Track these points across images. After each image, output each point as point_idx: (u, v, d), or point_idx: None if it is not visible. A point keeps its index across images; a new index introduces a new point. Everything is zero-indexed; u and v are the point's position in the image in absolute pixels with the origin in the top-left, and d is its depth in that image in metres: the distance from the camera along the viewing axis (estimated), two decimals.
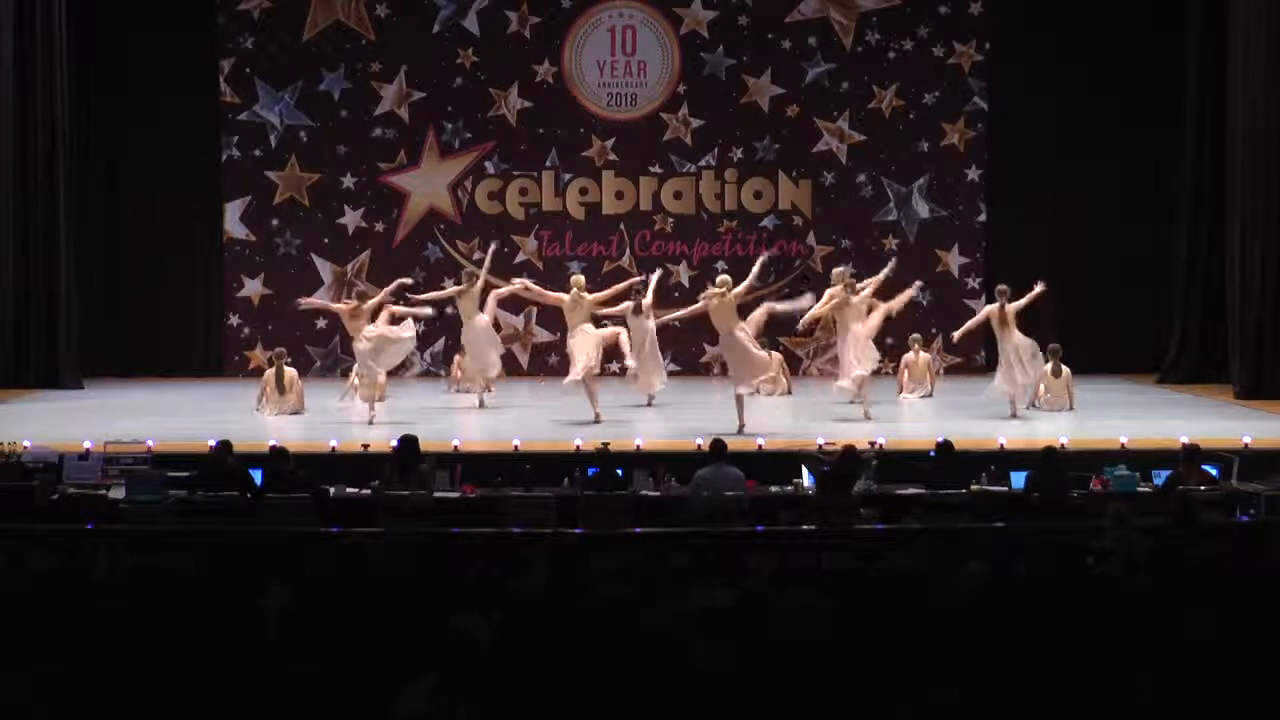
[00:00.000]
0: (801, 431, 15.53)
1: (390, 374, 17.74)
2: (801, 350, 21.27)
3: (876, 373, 17.39)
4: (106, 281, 21.11)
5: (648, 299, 16.81)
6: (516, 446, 13.85)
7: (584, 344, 16.40)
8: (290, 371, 17.36)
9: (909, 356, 18.85)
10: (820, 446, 13.15)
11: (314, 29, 21.24)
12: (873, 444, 13.87)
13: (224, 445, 12.51)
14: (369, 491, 12.28)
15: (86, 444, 13.33)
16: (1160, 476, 12.52)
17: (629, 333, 16.81)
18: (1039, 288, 17.22)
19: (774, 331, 19.99)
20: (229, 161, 21.27)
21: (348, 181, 21.39)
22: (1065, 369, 17.42)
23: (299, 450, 13.73)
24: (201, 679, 5.38)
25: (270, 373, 17.34)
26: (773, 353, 17.43)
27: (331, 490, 12.35)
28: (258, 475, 12.37)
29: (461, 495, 12.46)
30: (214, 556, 9.78)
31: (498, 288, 17.78)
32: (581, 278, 17.48)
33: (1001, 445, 13.73)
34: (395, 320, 17.15)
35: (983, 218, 21.72)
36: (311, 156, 21.34)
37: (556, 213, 21.60)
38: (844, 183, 21.63)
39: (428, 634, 5.90)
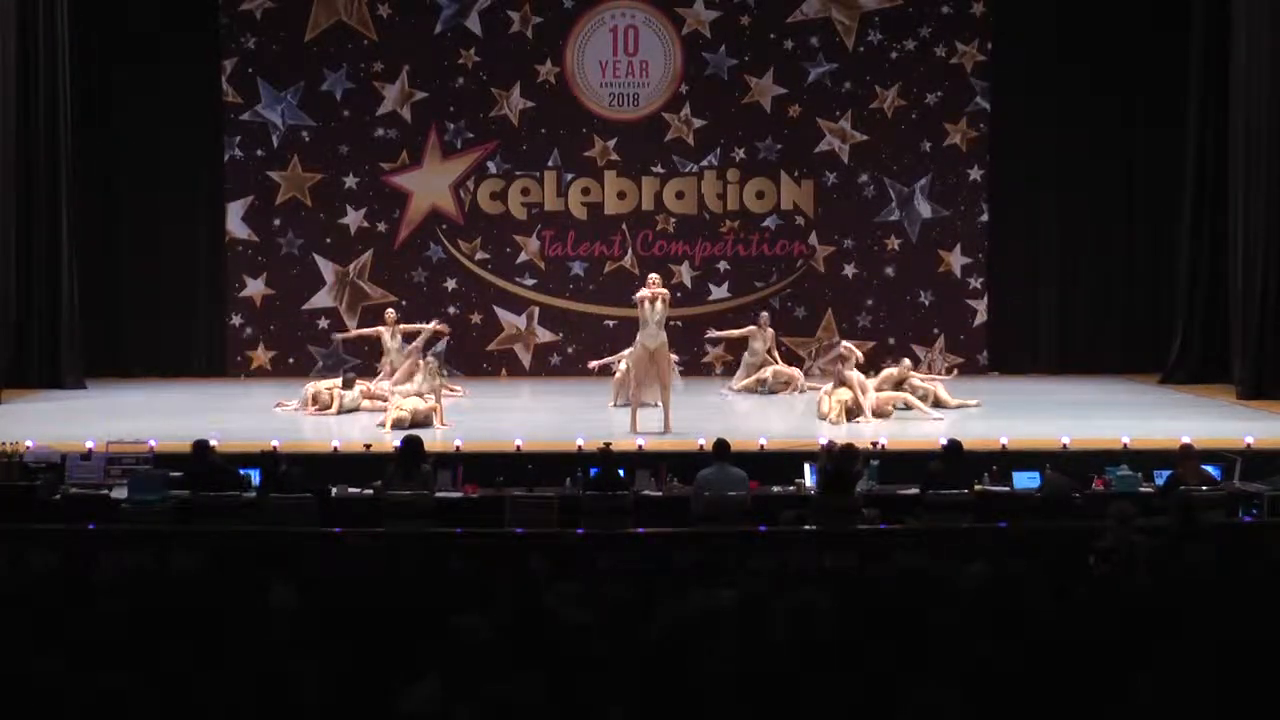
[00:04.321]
0: (804, 432, 15.57)
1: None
2: (804, 350, 21.27)
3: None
4: (109, 281, 21.08)
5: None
6: (518, 447, 13.85)
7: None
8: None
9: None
10: (823, 447, 13.13)
11: (316, 29, 21.23)
12: (874, 444, 13.88)
13: (201, 444, 12.52)
14: (371, 492, 12.31)
15: (89, 444, 13.33)
16: (1162, 477, 12.52)
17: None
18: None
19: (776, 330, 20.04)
20: (231, 161, 21.27)
21: (350, 181, 21.38)
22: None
23: (302, 451, 13.78)
24: (201, 679, 5.38)
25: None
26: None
27: (334, 490, 12.39)
28: (255, 476, 12.41)
29: (463, 495, 12.49)
30: (216, 557, 9.80)
31: None
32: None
33: (1003, 445, 13.72)
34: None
35: (985, 218, 21.70)
36: (313, 156, 21.33)
37: (559, 213, 21.60)
38: (846, 183, 21.61)
39: (429, 634, 5.91)
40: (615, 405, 17.57)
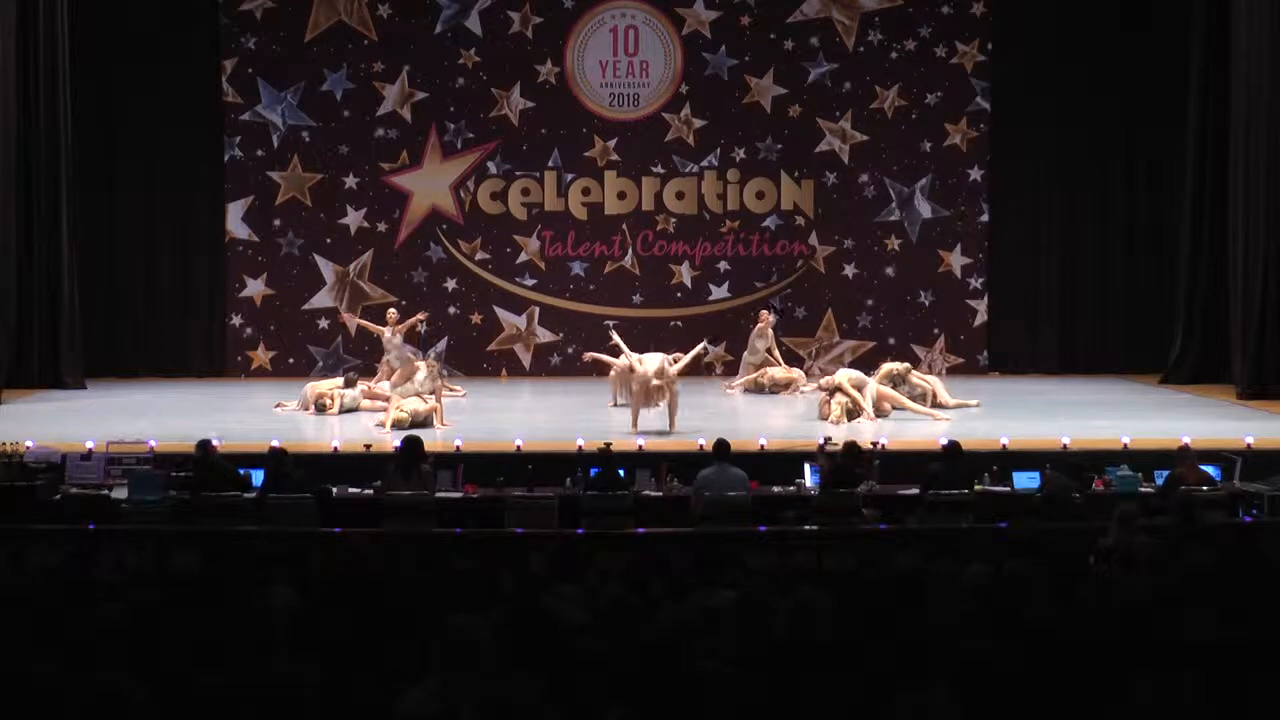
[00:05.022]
0: (804, 432, 15.56)
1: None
2: (804, 350, 21.27)
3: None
4: (109, 281, 21.08)
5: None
6: (519, 447, 13.85)
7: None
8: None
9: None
10: (822, 446, 13.13)
11: (316, 29, 21.22)
12: (875, 444, 13.87)
13: (204, 444, 12.54)
14: (371, 492, 12.32)
15: (89, 444, 13.33)
16: (1162, 477, 12.53)
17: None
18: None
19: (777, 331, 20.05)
20: (231, 161, 21.26)
21: (350, 182, 21.38)
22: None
23: (302, 451, 13.77)
24: (201, 679, 5.38)
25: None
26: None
27: (334, 490, 12.39)
28: (258, 476, 12.41)
29: (463, 495, 12.49)
30: (216, 557, 9.80)
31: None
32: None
33: (1004, 445, 13.72)
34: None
35: (985, 218, 21.70)
36: (314, 156, 21.33)
37: (559, 213, 21.59)
38: (846, 183, 21.60)
39: (429, 634, 5.91)
40: (615, 405, 17.55)
